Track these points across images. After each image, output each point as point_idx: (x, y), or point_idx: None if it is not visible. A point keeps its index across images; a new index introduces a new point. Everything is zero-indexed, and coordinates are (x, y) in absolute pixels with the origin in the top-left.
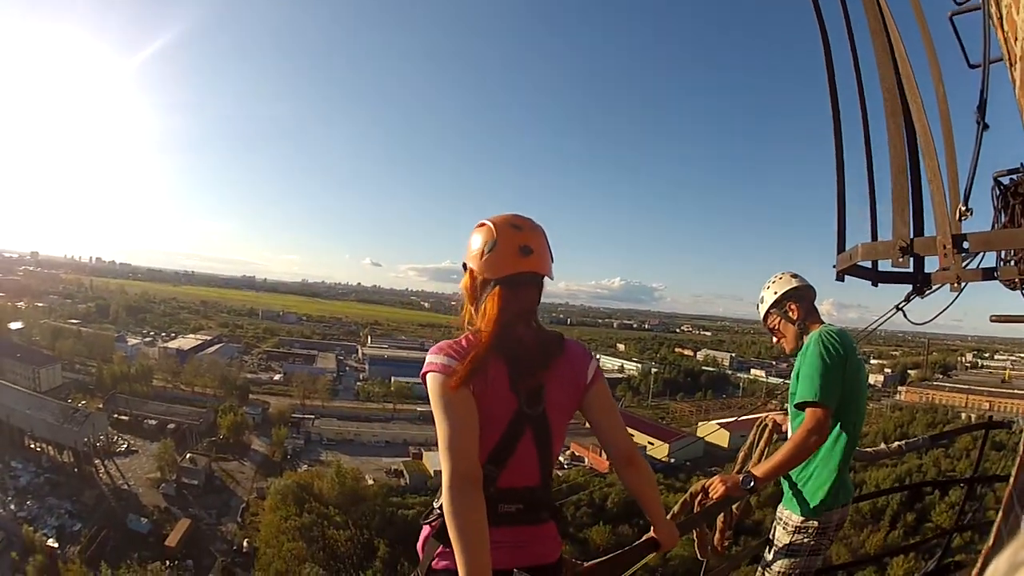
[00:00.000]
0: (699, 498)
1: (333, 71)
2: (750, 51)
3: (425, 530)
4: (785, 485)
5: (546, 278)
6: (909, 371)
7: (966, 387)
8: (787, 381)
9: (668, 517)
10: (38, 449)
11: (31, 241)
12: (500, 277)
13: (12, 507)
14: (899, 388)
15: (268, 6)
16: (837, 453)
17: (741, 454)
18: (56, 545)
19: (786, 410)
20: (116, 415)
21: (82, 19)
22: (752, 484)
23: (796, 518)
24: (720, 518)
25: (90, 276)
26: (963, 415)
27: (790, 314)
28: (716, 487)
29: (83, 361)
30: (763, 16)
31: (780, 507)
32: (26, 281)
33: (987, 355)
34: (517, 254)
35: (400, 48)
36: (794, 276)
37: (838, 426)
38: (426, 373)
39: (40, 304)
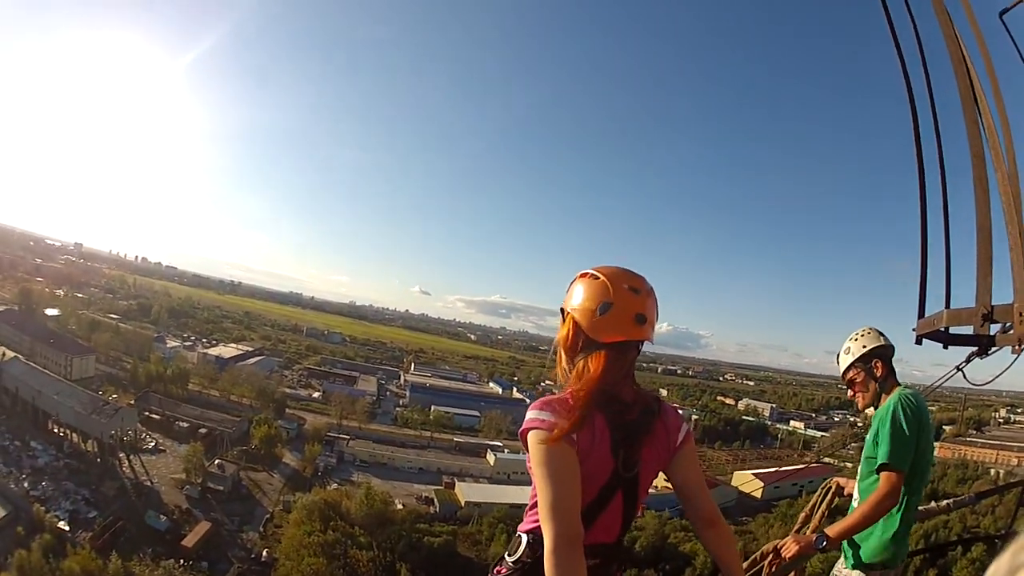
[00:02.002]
0: (770, 558)
1: (396, 96)
2: (824, 104)
3: None
4: (844, 544)
5: None
6: (944, 427)
7: (998, 443)
8: (824, 434)
9: None
10: (61, 434)
11: (76, 232)
12: (611, 343)
13: (25, 485)
14: (934, 444)
15: (335, 8)
16: (901, 513)
17: (802, 515)
18: (67, 528)
19: (849, 474)
20: (148, 413)
21: (135, 19)
22: (825, 544)
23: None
24: None
25: (134, 274)
26: (992, 471)
27: (875, 371)
28: (789, 547)
29: (119, 356)
30: (845, 70)
31: (839, 565)
32: (67, 270)
33: (1020, 411)
34: (632, 322)
35: (473, 80)
36: (880, 334)
37: (917, 484)
38: (528, 430)
39: (80, 295)
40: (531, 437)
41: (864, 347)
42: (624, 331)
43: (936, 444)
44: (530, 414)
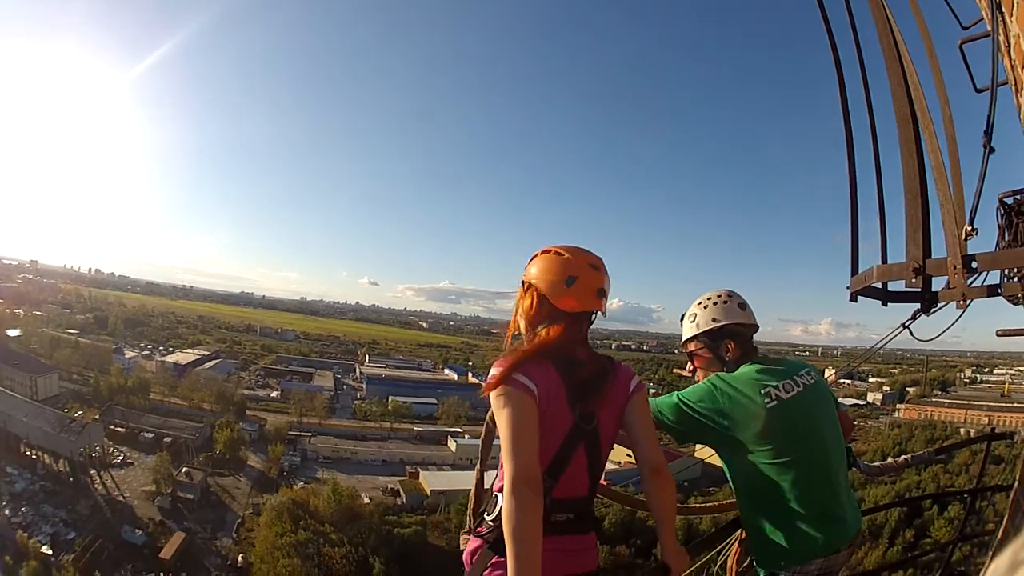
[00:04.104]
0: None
1: (333, 83)
2: (766, 79)
3: (474, 541)
4: (765, 542)
5: None
6: (908, 388)
7: (965, 403)
8: None
9: None
10: (34, 457)
11: (30, 249)
12: (575, 312)
13: (7, 512)
14: (898, 406)
15: (270, 17)
16: (792, 501)
17: None
18: (50, 552)
19: None
20: (113, 427)
21: (83, 31)
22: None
23: (780, 573)
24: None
25: (88, 287)
26: (962, 430)
27: (722, 352)
28: None
29: (80, 371)
30: (776, 50)
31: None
32: (25, 289)
33: (986, 370)
34: (595, 296)
35: (400, 61)
36: (743, 307)
37: (787, 471)
38: (489, 385)
39: (38, 312)
40: (486, 390)
41: (714, 320)
42: (587, 303)
43: (901, 406)
44: (491, 371)
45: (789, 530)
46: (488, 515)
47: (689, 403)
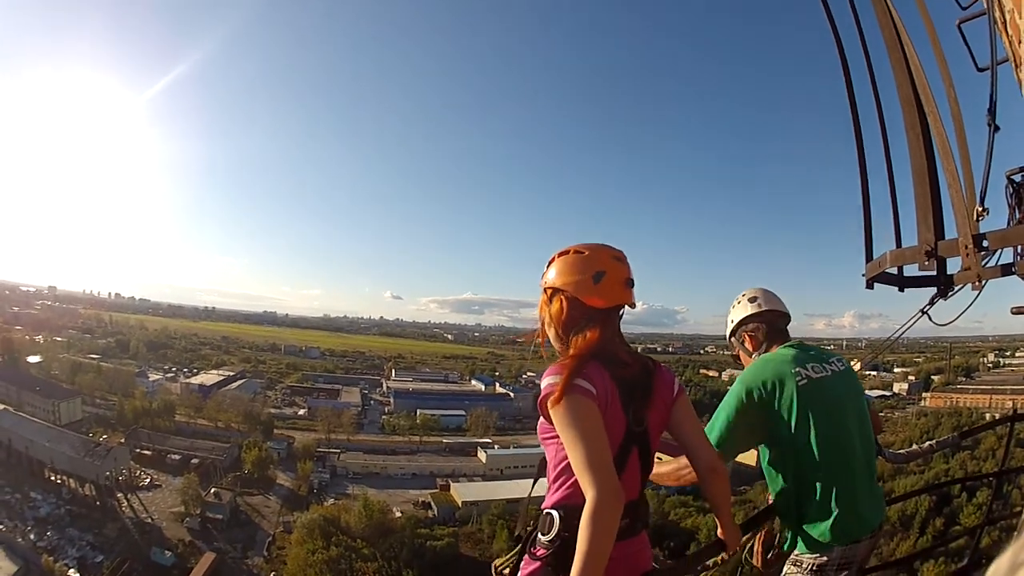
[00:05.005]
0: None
1: (348, 100)
2: (777, 71)
3: (530, 564)
4: (791, 525)
5: None
6: (933, 377)
7: (989, 387)
8: None
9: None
10: (58, 481)
11: (49, 275)
12: (607, 307)
13: (32, 536)
14: (923, 395)
15: (281, 36)
16: (815, 487)
17: None
18: (78, 575)
19: None
20: (138, 449)
21: (98, 54)
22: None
23: (803, 556)
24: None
25: (109, 311)
26: (987, 415)
27: (746, 344)
28: None
29: (104, 395)
30: (786, 42)
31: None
32: (44, 315)
33: (1008, 353)
34: (624, 286)
35: (421, 76)
36: (753, 300)
37: (810, 454)
38: (547, 395)
39: (59, 338)
40: (552, 401)
41: (732, 321)
42: (618, 296)
43: (927, 394)
44: (546, 380)
45: (811, 516)
46: (544, 535)
47: (730, 415)
